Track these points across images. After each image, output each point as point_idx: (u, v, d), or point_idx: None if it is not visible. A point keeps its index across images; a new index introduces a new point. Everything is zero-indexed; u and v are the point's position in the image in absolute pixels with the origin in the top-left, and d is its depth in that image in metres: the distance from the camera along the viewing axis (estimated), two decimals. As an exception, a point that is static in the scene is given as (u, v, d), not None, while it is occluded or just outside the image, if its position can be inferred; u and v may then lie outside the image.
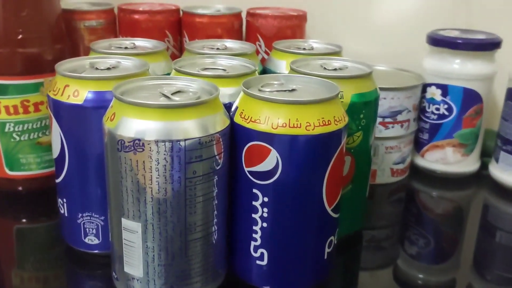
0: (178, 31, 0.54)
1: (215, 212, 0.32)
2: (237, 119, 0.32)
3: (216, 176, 0.31)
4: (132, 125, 0.29)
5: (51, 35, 0.44)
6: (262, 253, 0.33)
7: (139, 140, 0.29)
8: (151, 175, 0.29)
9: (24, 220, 0.46)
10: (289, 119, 0.31)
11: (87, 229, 0.37)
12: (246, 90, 0.32)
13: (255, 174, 0.32)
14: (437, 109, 0.52)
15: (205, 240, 0.32)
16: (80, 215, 0.36)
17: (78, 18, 0.50)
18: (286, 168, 0.31)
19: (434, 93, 0.52)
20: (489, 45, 0.50)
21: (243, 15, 0.55)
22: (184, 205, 0.30)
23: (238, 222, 0.34)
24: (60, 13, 0.45)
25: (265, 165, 0.31)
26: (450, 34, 0.52)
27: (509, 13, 0.57)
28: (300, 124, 0.31)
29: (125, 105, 0.29)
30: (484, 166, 0.55)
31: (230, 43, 0.47)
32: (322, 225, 0.34)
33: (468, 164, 0.54)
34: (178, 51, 0.54)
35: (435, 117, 0.52)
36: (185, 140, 0.29)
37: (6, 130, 0.43)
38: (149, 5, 0.55)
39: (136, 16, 0.51)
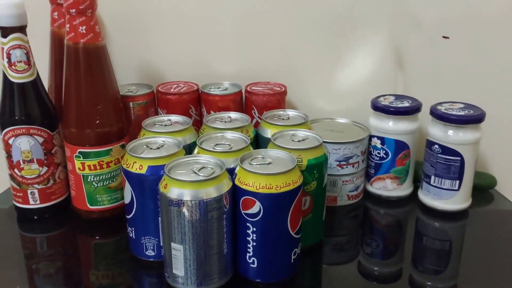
0: (198, 103, 0.76)
1: (225, 236, 0.55)
2: (237, 182, 0.55)
3: (225, 215, 0.54)
4: (177, 191, 0.52)
5: (115, 118, 0.66)
6: (253, 260, 0.56)
7: (181, 200, 0.51)
8: (188, 219, 0.52)
9: (97, 237, 0.69)
10: (266, 184, 0.53)
11: (147, 246, 0.60)
12: (241, 165, 0.55)
13: (247, 214, 0.54)
14: (378, 153, 0.74)
15: (219, 254, 0.55)
16: (143, 237, 0.60)
17: (130, 100, 0.73)
18: (265, 212, 0.54)
19: (376, 142, 0.74)
20: (412, 111, 0.72)
21: (243, 90, 0.77)
22: (207, 234, 0.53)
23: (239, 242, 0.57)
24: (120, 100, 0.68)
25: (253, 210, 0.54)
26: (386, 101, 0.74)
27: (434, 80, 0.79)
28: (272, 186, 0.53)
29: (172, 179, 0.52)
30: (417, 188, 0.77)
31: (234, 115, 0.70)
32: (288, 243, 0.56)
33: (403, 190, 0.76)
34: (198, 117, 0.76)
35: (378, 158, 0.74)
36: (206, 199, 0.52)
37: (89, 180, 0.67)
38: (177, 84, 0.77)
39: (169, 96, 0.74)
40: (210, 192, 0.52)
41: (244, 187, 0.54)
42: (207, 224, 0.52)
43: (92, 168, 0.66)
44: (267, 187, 0.53)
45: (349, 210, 0.75)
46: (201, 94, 0.76)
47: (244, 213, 0.55)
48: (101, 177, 0.66)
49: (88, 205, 0.68)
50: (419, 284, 0.60)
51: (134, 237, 0.60)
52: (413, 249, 0.66)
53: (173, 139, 0.62)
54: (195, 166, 0.55)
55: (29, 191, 0.68)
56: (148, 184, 0.57)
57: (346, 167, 0.72)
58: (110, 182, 0.67)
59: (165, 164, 0.55)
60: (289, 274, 0.58)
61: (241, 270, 0.58)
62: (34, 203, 0.69)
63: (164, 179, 0.53)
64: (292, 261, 0.57)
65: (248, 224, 0.55)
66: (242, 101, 0.77)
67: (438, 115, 0.69)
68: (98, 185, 0.67)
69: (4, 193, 0.79)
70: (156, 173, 0.56)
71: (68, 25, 0.62)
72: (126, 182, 0.58)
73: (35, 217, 0.70)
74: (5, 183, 0.79)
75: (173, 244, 0.54)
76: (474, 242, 0.68)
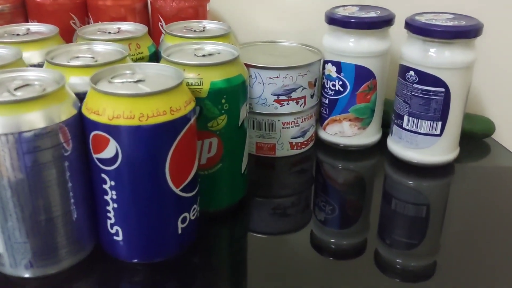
0: (84, 13, 0.55)
1: (71, 193, 0.35)
2: (84, 110, 0.35)
3: (67, 162, 0.34)
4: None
5: None
6: (117, 230, 0.37)
7: (-21, 133, 0.32)
8: (-4, 164, 0.32)
9: None
10: (123, 111, 0.33)
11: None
12: (92, 84, 0.35)
13: (101, 160, 0.35)
14: (333, 85, 0.54)
15: (63, 218, 0.35)
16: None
17: (-17, 3, 0.52)
18: (125, 156, 0.34)
19: (330, 70, 0.53)
20: (381, 23, 0.51)
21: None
22: (34, 188, 0.33)
23: (96, 202, 0.37)
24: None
25: (107, 153, 0.34)
26: (346, 12, 0.53)
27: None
28: (134, 115, 0.33)
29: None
30: (385, 135, 0.57)
31: (124, 26, 0.49)
32: (171, 205, 0.37)
33: (366, 137, 0.56)
34: (84, 32, 0.56)
35: (332, 93, 0.54)
36: (23, 131, 0.32)
37: None
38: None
39: (41, 0, 0.53)
40: (30, 120, 0.32)
41: (92, 116, 0.34)
42: (32, 173, 0.33)
43: None
44: (125, 116, 0.33)
45: (293, 162, 0.55)
46: (88, 0, 0.55)
47: (96, 158, 0.35)
48: None
49: None
50: (387, 260, 0.42)
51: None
52: (380, 216, 0.48)
53: (10, 49, 0.41)
54: (14, 83, 0.35)
55: None
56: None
57: (287, 104, 0.52)
58: None
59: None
60: (174, 250, 0.38)
61: (104, 244, 0.39)
62: None
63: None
64: (179, 231, 0.38)
65: (103, 175, 0.35)
66: (147, 11, 0.56)
67: (416, 28, 0.48)
68: None
69: None
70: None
71: None
72: None
73: None
74: None
75: (-19, 206, 0.34)
76: (460, 207, 0.49)
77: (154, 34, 0.55)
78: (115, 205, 0.36)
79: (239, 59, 0.41)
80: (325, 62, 0.54)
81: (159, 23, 0.54)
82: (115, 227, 0.37)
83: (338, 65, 0.53)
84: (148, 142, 0.34)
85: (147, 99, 0.33)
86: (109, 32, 0.47)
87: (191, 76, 0.39)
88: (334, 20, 0.52)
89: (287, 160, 0.55)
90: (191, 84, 0.39)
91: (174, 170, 0.36)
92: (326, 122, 0.56)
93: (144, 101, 0.33)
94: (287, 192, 0.51)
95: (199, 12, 0.54)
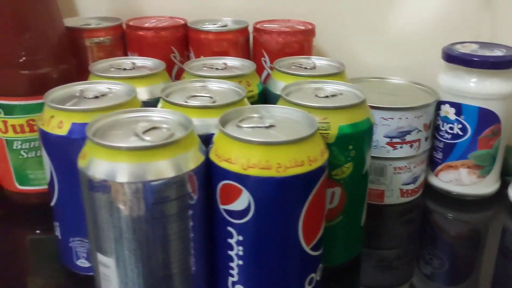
0: (185, 46, 0.53)
1: (193, 247, 0.32)
2: (212, 157, 0.32)
3: (191, 212, 0.31)
4: (102, 166, 0.29)
5: (54, 56, 0.45)
6: (239, 289, 0.33)
7: (105, 181, 0.29)
8: (119, 215, 0.30)
9: (38, 232, 0.48)
10: (259, 160, 0.30)
11: (78, 253, 0.38)
12: (220, 128, 0.32)
13: (229, 212, 0.32)
14: (451, 128, 0.49)
15: (182, 274, 0.32)
16: (71, 239, 0.38)
17: (86, 35, 0.51)
18: (258, 209, 0.31)
19: (448, 111, 0.49)
20: (508, 63, 0.46)
21: (251, 29, 0.54)
22: (158, 242, 0.30)
23: (216, 257, 0.34)
24: (64, 33, 0.46)
25: (238, 205, 0.31)
26: (466, 49, 0.49)
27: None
28: (271, 165, 0.30)
29: (95, 146, 0.30)
30: (504, 184, 0.52)
31: (231, 61, 0.47)
32: (300, 264, 0.33)
33: (485, 186, 0.51)
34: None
35: (449, 136, 0.49)
36: (154, 181, 0.29)
37: (14, 147, 0.45)
38: (156, 20, 0.55)
39: (142, 33, 0.51)
40: (161, 168, 0.29)
41: (223, 164, 0.31)
42: (155, 225, 0.30)
43: (19, 130, 0.45)
44: (261, 166, 0.30)
45: (402, 211, 0.50)
46: (190, 32, 0.53)
47: (224, 209, 0.32)
48: (32, 144, 0.45)
49: (17, 184, 0.47)
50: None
51: (60, 237, 0.39)
52: (495, 272, 0.42)
53: (124, 86, 0.39)
54: (140, 126, 0.32)
55: None
56: (72, 153, 0.34)
57: (401, 147, 0.48)
58: (46, 152, 0.46)
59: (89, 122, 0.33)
60: (299, 315, 0.34)
61: (220, 303, 0.35)
62: None
63: (86, 145, 0.31)
64: (305, 293, 0.34)
65: (230, 229, 0.32)
66: (249, 44, 0.53)
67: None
68: (29, 155, 0.45)
69: None
70: (85, 135, 0.34)
71: None
72: (43, 149, 0.36)
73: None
74: None
75: (100, 256, 0.31)
76: None
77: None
78: (240, 262, 0.32)
79: (366, 101, 0.38)
80: (441, 102, 0.50)
81: (262, 58, 0.51)
82: (238, 286, 0.33)
83: (458, 106, 0.48)
84: (284, 195, 0.30)
85: (285, 148, 0.30)
86: (216, 68, 0.45)
87: (319, 119, 0.35)
88: (454, 58, 0.48)
89: (395, 208, 0.51)
90: (317, 129, 0.35)
91: (307, 226, 0.32)
92: (439, 167, 0.51)
93: (282, 150, 0.30)
94: (393, 243, 0.47)
95: (304, 47, 0.51)
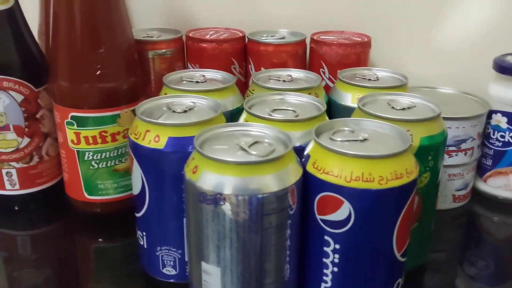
0: (243, 57, 0.55)
1: (288, 255, 0.34)
2: (310, 169, 0.33)
3: (289, 221, 0.33)
4: (213, 179, 0.31)
5: (126, 69, 0.46)
6: (332, 294, 0.35)
7: (220, 194, 0.30)
8: (230, 226, 0.31)
9: (100, 240, 0.49)
10: (362, 173, 0.31)
11: (165, 261, 0.39)
12: (319, 141, 0.33)
13: (327, 222, 0.33)
14: (502, 136, 0.51)
15: (279, 282, 0.34)
16: (158, 248, 0.39)
17: (149, 48, 0.52)
18: (358, 219, 0.32)
19: (500, 120, 0.51)
20: (561, 74, 0.49)
21: (307, 40, 0.55)
22: (261, 252, 0.32)
23: (309, 265, 0.35)
24: (133, 46, 0.48)
25: (338, 215, 0.33)
26: (518, 60, 0.51)
27: None
28: (373, 178, 0.31)
29: (206, 160, 0.31)
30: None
31: (295, 73, 0.48)
32: (391, 270, 0.35)
33: (533, 191, 0.53)
34: (243, 77, 0.55)
35: (500, 144, 0.52)
36: (263, 194, 0.31)
37: (86, 158, 0.46)
38: (215, 31, 0.57)
39: (204, 45, 0.53)
40: (269, 182, 0.31)
41: (323, 176, 0.32)
42: (262, 236, 0.31)
43: (91, 141, 0.46)
44: (364, 179, 0.31)
45: (452, 216, 0.52)
46: (249, 44, 0.54)
47: (321, 219, 0.33)
48: (103, 154, 0.46)
49: (86, 194, 0.48)
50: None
51: (146, 246, 0.40)
52: None
53: (209, 100, 0.40)
54: (243, 140, 0.34)
55: (4, 171, 0.48)
56: (168, 166, 0.36)
57: (456, 155, 0.50)
58: (116, 162, 0.47)
59: (194, 137, 0.34)
60: (387, 319, 0.36)
61: (310, 308, 0.36)
62: (11, 187, 0.49)
63: (193, 158, 0.32)
64: (393, 297, 0.36)
65: (327, 238, 0.33)
66: (306, 56, 0.55)
67: None
68: (100, 166, 0.46)
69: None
70: (182, 148, 0.35)
71: None
72: (135, 161, 0.38)
73: (16, 208, 0.51)
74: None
75: (204, 265, 0.33)
76: None
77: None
78: (335, 269, 0.34)
79: (441, 115, 0.40)
80: (492, 111, 0.52)
81: (321, 69, 0.52)
82: (331, 292, 0.35)
83: (509, 115, 0.50)
84: (384, 205, 0.32)
85: (386, 161, 0.32)
86: (284, 80, 0.47)
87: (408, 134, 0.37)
88: (506, 69, 0.50)
89: (448, 214, 0.52)
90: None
91: (400, 234, 0.34)
92: (488, 173, 0.53)
93: (383, 163, 0.32)
94: (444, 246, 0.48)
95: (361, 58, 0.53)
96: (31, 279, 0.43)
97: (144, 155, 0.37)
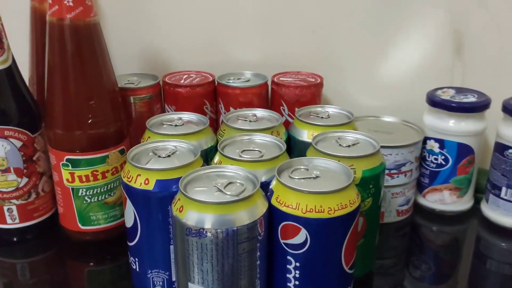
0: (214, 97, 0.62)
1: (259, 273, 0.42)
2: (274, 203, 0.41)
3: (258, 245, 0.41)
4: (197, 216, 0.38)
5: (113, 115, 0.53)
6: (295, 303, 0.43)
7: (203, 228, 0.38)
8: (212, 253, 0.39)
9: (92, 264, 0.56)
10: (315, 205, 0.39)
11: (155, 282, 0.47)
12: (281, 180, 0.41)
13: (288, 245, 0.41)
14: (436, 159, 0.61)
15: (251, 294, 0.42)
16: (149, 271, 0.46)
17: (131, 94, 0.59)
18: (313, 242, 0.40)
19: (433, 145, 0.60)
20: (480, 107, 0.58)
21: (269, 82, 0.63)
22: (237, 272, 0.40)
23: (276, 280, 0.43)
24: (118, 94, 0.54)
25: (297, 239, 0.40)
26: (446, 95, 0.60)
27: (497, 72, 0.66)
28: (324, 209, 0.40)
29: (190, 201, 0.39)
30: (477, 201, 0.64)
31: (259, 113, 0.56)
32: (341, 281, 0.43)
33: (462, 204, 0.62)
34: (214, 115, 0.63)
35: (434, 165, 0.61)
36: (237, 227, 0.38)
37: (80, 194, 0.53)
38: (188, 75, 0.64)
39: (179, 89, 0.60)
40: (242, 217, 0.38)
41: (285, 209, 0.40)
42: (237, 260, 0.39)
43: (84, 179, 0.52)
44: (316, 210, 0.39)
45: (397, 228, 0.62)
46: (218, 87, 0.62)
47: (284, 243, 0.41)
48: (95, 190, 0.53)
49: (80, 225, 0.54)
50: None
51: (138, 269, 0.47)
52: (471, 271, 0.55)
53: (188, 144, 0.48)
54: (219, 181, 0.41)
55: (5, 208, 0.55)
56: (156, 204, 0.43)
57: (397, 177, 0.59)
58: (106, 196, 0.54)
59: (177, 178, 0.42)
60: (341, 319, 0.44)
61: (278, 315, 0.44)
62: (12, 222, 0.55)
63: (179, 199, 0.40)
64: (344, 303, 0.44)
65: (289, 257, 0.41)
66: (268, 95, 0.63)
67: (515, 112, 0.55)
68: (92, 200, 0.53)
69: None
70: (167, 189, 0.43)
71: (51, -4, 0.48)
72: (128, 200, 0.45)
73: (14, 239, 0.57)
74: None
75: (190, 285, 0.40)
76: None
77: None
78: (297, 282, 0.42)
79: (380, 150, 0.48)
80: (427, 138, 0.61)
81: (281, 107, 0.61)
82: (294, 301, 0.43)
83: (441, 142, 0.60)
84: (333, 230, 0.40)
85: (333, 195, 0.40)
86: (250, 121, 0.54)
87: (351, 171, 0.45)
88: (436, 103, 0.59)
89: (393, 226, 0.62)
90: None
91: (347, 251, 0.42)
92: (426, 190, 0.63)
93: (331, 197, 0.40)
94: (390, 254, 0.58)
95: (315, 96, 0.61)
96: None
97: (136, 195, 0.44)
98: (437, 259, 0.57)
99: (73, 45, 0.49)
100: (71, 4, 0.48)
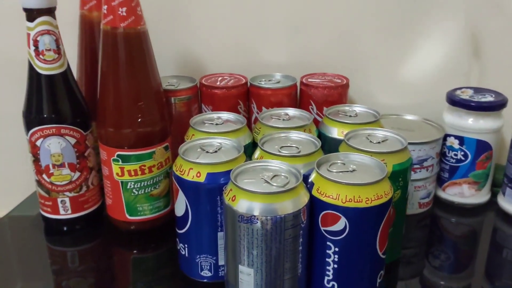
0: (247, 98, 0.67)
1: (301, 257, 0.46)
2: (315, 193, 0.45)
3: (301, 232, 0.45)
4: (247, 204, 0.43)
5: (159, 115, 0.57)
6: (333, 284, 0.47)
7: (254, 216, 0.42)
8: (261, 238, 0.43)
9: (136, 251, 0.60)
10: (354, 196, 0.44)
11: (203, 266, 0.51)
12: (320, 173, 0.46)
13: (328, 232, 0.45)
14: (455, 154, 0.65)
15: (293, 278, 0.46)
16: (198, 256, 0.51)
17: (172, 95, 0.63)
18: (352, 229, 0.45)
19: (453, 142, 0.65)
20: (498, 106, 0.62)
21: (298, 83, 0.68)
22: (282, 256, 0.44)
23: (316, 264, 0.48)
24: (162, 95, 0.59)
25: (336, 227, 0.45)
26: (464, 95, 0.64)
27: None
28: (362, 199, 0.44)
29: (242, 191, 0.43)
30: (494, 194, 0.68)
31: (292, 112, 0.61)
32: (375, 265, 0.47)
33: (480, 197, 0.67)
34: (247, 113, 0.67)
35: (454, 161, 0.65)
36: (284, 214, 0.43)
37: (128, 187, 0.57)
38: (222, 78, 0.68)
39: (216, 91, 0.64)
40: (287, 206, 0.43)
41: (325, 199, 0.45)
42: (283, 244, 0.44)
43: (133, 173, 0.57)
44: (355, 200, 0.44)
45: (418, 219, 0.66)
46: (251, 88, 0.67)
47: (324, 230, 0.46)
48: (142, 183, 0.57)
49: (127, 215, 0.59)
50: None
51: (187, 255, 0.51)
52: (488, 260, 0.59)
53: (231, 141, 0.52)
54: (265, 174, 0.46)
55: (59, 200, 0.59)
56: (206, 195, 0.48)
57: (420, 171, 0.63)
58: (152, 189, 0.58)
59: (225, 172, 0.46)
60: (374, 300, 0.49)
61: (317, 296, 0.49)
62: (65, 213, 0.60)
63: (231, 190, 0.44)
64: (377, 285, 0.48)
65: (329, 243, 0.46)
66: (297, 95, 0.67)
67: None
68: (139, 192, 0.58)
69: (28, 199, 0.70)
70: (216, 181, 0.47)
71: (105, 7, 0.53)
72: (180, 192, 0.49)
73: (65, 229, 0.61)
74: (27, 188, 0.70)
75: (241, 267, 0.45)
76: None
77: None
78: (335, 266, 0.46)
79: (407, 147, 0.52)
80: (447, 135, 0.65)
81: (310, 106, 0.65)
82: (332, 282, 0.47)
83: (460, 139, 0.64)
84: (370, 218, 0.45)
85: (369, 187, 0.44)
86: (283, 119, 0.59)
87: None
88: (456, 102, 0.63)
89: (415, 218, 0.66)
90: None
91: (382, 237, 0.46)
92: (446, 184, 0.67)
93: (368, 188, 0.44)
94: (412, 244, 0.61)
95: (342, 96, 0.66)
96: (78, 287, 0.54)
97: (188, 187, 0.48)
98: (455, 249, 0.62)
99: (125, 52, 0.54)
100: (124, 14, 0.52)
